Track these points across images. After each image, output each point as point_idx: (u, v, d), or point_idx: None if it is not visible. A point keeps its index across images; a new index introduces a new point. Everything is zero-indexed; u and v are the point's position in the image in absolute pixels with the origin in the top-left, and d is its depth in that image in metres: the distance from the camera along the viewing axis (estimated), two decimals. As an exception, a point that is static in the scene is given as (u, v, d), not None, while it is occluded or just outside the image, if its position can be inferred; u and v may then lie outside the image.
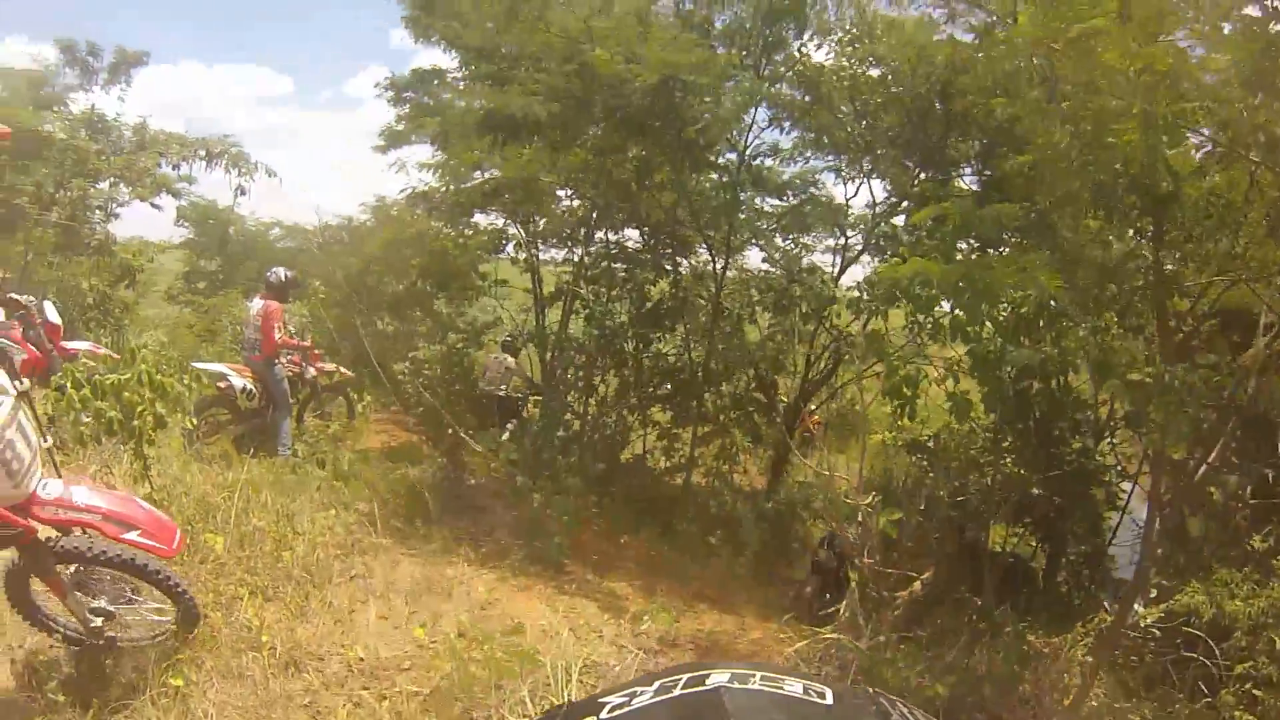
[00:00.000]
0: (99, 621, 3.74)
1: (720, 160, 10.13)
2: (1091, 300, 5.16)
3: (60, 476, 3.66)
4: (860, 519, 4.57)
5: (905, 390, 4.40)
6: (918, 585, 5.35)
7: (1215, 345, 6.66)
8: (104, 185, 14.28)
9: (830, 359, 10.81)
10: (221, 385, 8.28)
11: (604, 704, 1.34)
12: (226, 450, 7.70)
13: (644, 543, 8.45)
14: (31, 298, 8.65)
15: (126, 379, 5.53)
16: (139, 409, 5.44)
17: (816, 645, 4.54)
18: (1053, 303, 6.58)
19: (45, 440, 3.58)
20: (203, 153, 14.60)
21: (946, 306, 4.96)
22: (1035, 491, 9.09)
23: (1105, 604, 8.37)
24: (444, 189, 11.31)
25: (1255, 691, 5.16)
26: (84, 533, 3.59)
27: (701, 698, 1.30)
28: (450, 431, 7.51)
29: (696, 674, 1.38)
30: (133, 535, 3.53)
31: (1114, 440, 10.01)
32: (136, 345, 6.26)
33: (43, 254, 13.34)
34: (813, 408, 11.81)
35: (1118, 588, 8.59)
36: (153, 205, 15.13)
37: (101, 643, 3.81)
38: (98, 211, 14.42)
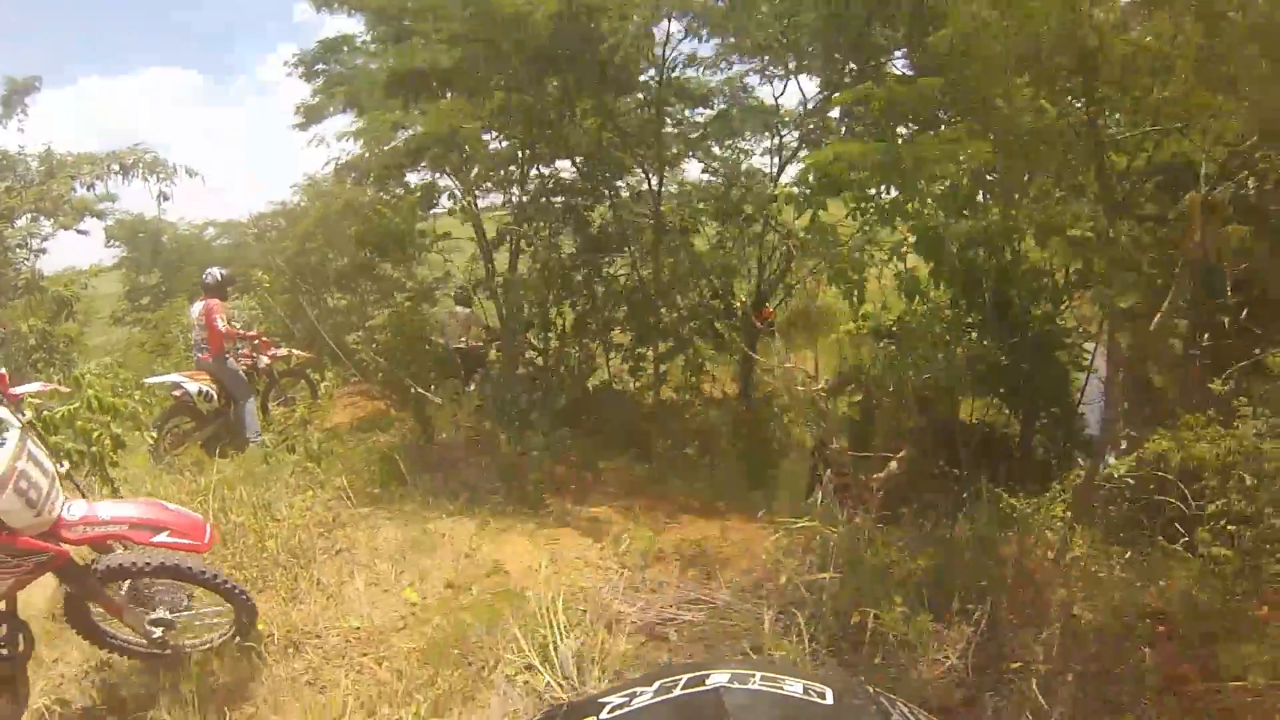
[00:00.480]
0: (160, 632, 3.80)
1: (641, 79, 9.96)
2: (1025, 163, 5.15)
3: (85, 497, 3.73)
4: (821, 406, 4.62)
5: (851, 274, 4.38)
6: (894, 465, 5.43)
7: (1161, 202, 6.71)
8: (21, 222, 13.73)
9: (782, 258, 10.82)
10: (177, 393, 8.20)
11: (604, 704, 1.35)
12: (197, 456, 7.65)
13: (622, 466, 8.49)
14: None
15: (76, 408, 5.45)
16: (95, 434, 5.37)
17: (798, 538, 4.61)
18: (991, 176, 6.58)
19: (61, 465, 3.56)
20: (116, 167, 13.88)
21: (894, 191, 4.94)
22: (1002, 361, 9.25)
23: (1080, 461, 8.59)
24: (368, 154, 11.08)
25: (1230, 528, 5.35)
26: (124, 548, 3.66)
27: (701, 698, 1.31)
28: (413, 392, 7.45)
29: (696, 674, 1.39)
30: (162, 537, 3.56)
31: (1073, 303, 10.19)
32: (80, 372, 6.11)
33: (-29, 305, 12.92)
34: (770, 307, 11.88)
35: (1091, 445, 8.84)
36: (78, 232, 14.48)
37: (169, 653, 3.87)
38: (19, 250, 13.91)
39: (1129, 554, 4.44)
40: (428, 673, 3.93)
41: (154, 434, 7.62)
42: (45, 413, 5.49)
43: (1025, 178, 5.85)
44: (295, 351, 10.16)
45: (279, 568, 5.10)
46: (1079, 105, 4.85)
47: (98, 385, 5.65)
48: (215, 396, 8.31)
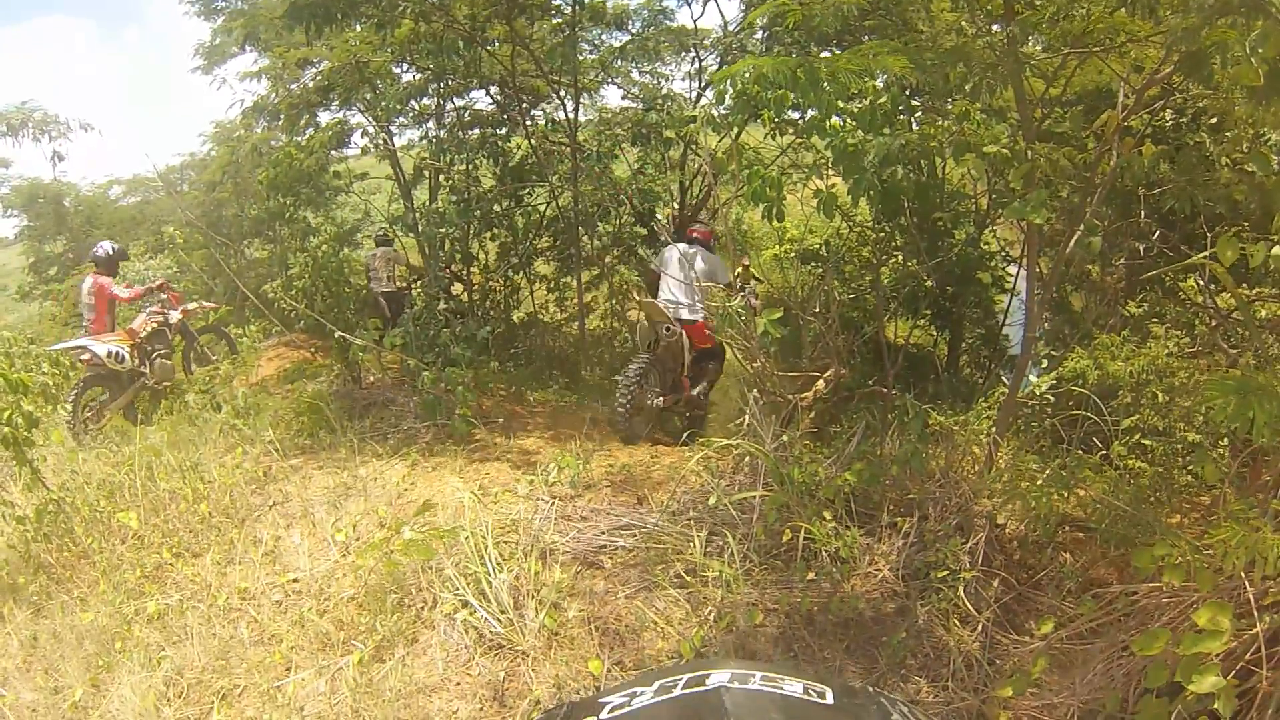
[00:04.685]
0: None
1: (554, 2, 9.70)
2: (942, 80, 5.13)
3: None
4: (743, 324, 4.64)
5: (769, 192, 4.32)
6: (821, 384, 5.48)
7: (1078, 128, 6.80)
8: None
9: (705, 182, 10.80)
10: (85, 358, 7.76)
11: (604, 704, 1.34)
12: (120, 425, 7.38)
13: (550, 397, 8.49)
14: None
15: None
16: (5, 414, 5.16)
17: (727, 458, 4.66)
18: (914, 99, 6.54)
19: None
20: (3, 128, 13.03)
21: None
22: (928, 283, 9.45)
23: (1004, 379, 8.89)
24: (274, 95, 10.62)
25: (1144, 441, 5.61)
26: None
27: (701, 698, 1.31)
28: (336, 337, 7.28)
29: (696, 674, 1.38)
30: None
31: (994, 225, 10.42)
32: None
33: None
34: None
35: (1014, 363, 9.15)
36: None
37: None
38: None
39: (1050, 466, 4.59)
40: (367, 619, 3.91)
41: (67, 406, 7.36)
42: None
43: (947, 101, 5.87)
44: (203, 303, 9.73)
45: (213, 530, 5.05)
46: (998, 29, 4.84)
47: (2, 363, 5.38)
48: (127, 357, 7.91)
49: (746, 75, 4.08)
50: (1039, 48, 5.81)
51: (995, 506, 4.17)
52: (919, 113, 7.19)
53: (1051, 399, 6.11)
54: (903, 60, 4.37)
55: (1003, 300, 10.98)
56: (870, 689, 1.45)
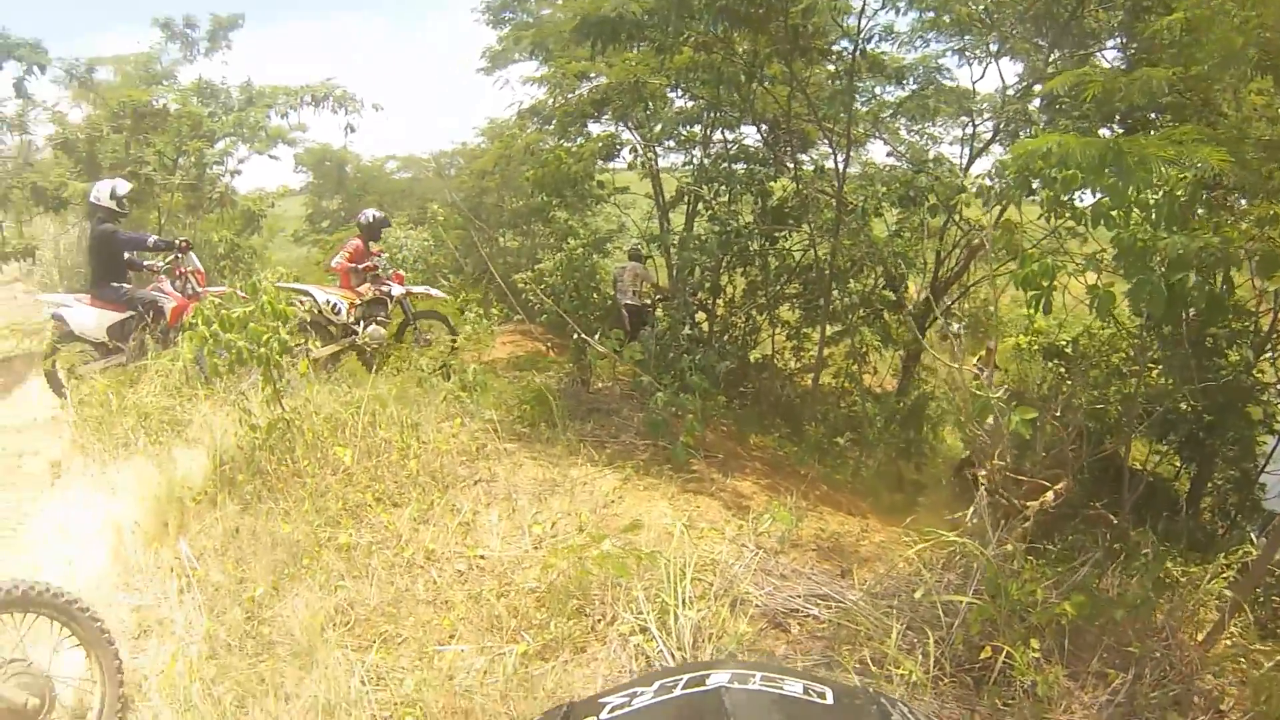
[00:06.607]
0: None
1: (834, 48, 9.62)
2: (1261, 180, 4.58)
3: None
4: (992, 419, 4.29)
5: (1042, 281, 3.99)
6: (1050, 496, 5.02)
7: None
8: (220, 145, 14.51)
9: (962, 255, 10.32)
10: (302, 300, 8.07)
11: (604, 704, 1.36)
12: (354, 368, 7.96)
13: (772, 443, 8.40)
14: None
15: (251, 311, 5.81)
16: (265, 338, 5.70)
17: (940, 552, 4.34)
18: (1210, 193, 5.86)
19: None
20: (309, 98, 14.38)
21: (1089, 197, 4.48)
22: (1184, 406, 8.49)
23: (1252, 535, 7.84)
24: (551, 101, 11.29)
25: None
26: None
27: (701, 698, 1.32)
28: (575, 337, 7.48)
29: (696, 674, 1.40)
30: None
31: (1275, 354, 9.19)
32: (256, 279, 6.50)
33: (174, 215, 14.04)
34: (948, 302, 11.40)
35: (1267, 519, 8.04)
36: (270, 157, 15.33)
37: None
38: (215, 167, 14.72)
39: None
40: (543, 615, 3.96)
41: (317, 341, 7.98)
42: (224, 312, 5.87)
43: (1256, 198, 5.23)
44: (430, 291, 9.83)
45: (417, 488, 5.28)
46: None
47: (272, 293, 6.00)
48: (344, 311, 8.29)
49: (1047, 151, 3.81)
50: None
51: (1220, 688, 3.63)
52: (1208, 210, 6.45)
53: (1311, 574, 5.27)
54: (1221, 152, 3.93)
55: (1268, 442, 9.67)
56: (870, 689, 1.35)
